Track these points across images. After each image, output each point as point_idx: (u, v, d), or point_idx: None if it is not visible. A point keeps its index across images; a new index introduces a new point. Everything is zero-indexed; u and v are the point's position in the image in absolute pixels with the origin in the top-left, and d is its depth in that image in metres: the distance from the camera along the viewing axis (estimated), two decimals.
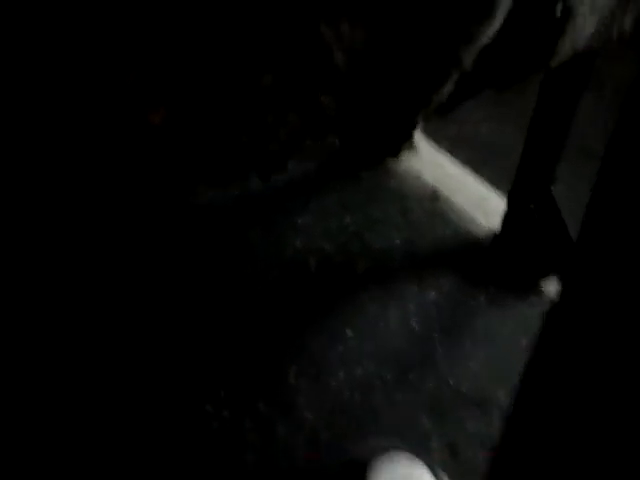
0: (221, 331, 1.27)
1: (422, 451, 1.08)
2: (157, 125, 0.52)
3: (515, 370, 1.21)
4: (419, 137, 1.64)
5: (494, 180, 1.54)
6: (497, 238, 1.46)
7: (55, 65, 0.58)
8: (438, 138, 1.63)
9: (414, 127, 1.55)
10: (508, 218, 1.43)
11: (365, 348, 1.26)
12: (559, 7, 0.68)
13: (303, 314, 1.31)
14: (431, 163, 1.60)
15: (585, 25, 0.75)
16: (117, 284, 1.31)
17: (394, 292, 1.36)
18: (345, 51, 0.55)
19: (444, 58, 0.62)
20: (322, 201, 1.53)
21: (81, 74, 0.58)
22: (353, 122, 0.66)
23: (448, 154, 1.62)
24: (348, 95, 0.60)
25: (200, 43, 0.53)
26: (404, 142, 1.58)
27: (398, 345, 1.27)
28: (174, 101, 0.51)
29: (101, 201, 0.69)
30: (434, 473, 1.05)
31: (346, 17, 0.54)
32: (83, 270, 1.31)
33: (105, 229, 1.35)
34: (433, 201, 1.54)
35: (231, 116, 0.54)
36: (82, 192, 0.68)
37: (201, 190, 0.67)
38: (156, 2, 0.54)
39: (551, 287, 1.37)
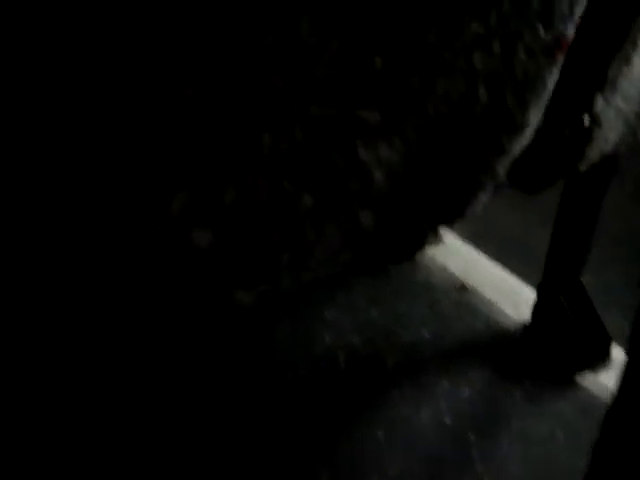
0: (247, 433, 1.24)
1: None
2: (203, 248, 0.53)
3: (555, 469, 1.15)
4: (444, 230, 1.65)
5: (521, 272, 1.54)
6: (528, 330, 1.44)
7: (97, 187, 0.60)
8: (463, 231, 1.64)
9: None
10: (538, 310, 1.42)
11: (398, 449, 1.22)
12: (587, 117, 0.70)
13: (334, 414, 1.28)
14: (457, 255, 1.61)
15: (612, 130, 0.76)
16: (145, 380, 1.30)
17: (425, 388, 1.33)
18: (383, 171, 0.56)
19: (478, 171, 0.63)
20: (350, 294, 1.53)
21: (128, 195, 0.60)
22: (388, 232, 0.67)
23: (474, 246, 1.62)
24: (386, 210, 0.61)
25: (241, 170, 0.55)
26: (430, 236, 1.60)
27: (432, 445, 1.23)
28: (222, 225, 0.52)
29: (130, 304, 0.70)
30: None
31: (383, 139, 0.56)
32: (111, 363, 1.30)
33: (133, 330, 1.36)
34: (461, 293, 1.53)
35: (274, 237, 0.55)
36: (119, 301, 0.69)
37: (239, 295, 0.68)
38: (190, 132, 0.56)
39: (588, 381, 1.33)
